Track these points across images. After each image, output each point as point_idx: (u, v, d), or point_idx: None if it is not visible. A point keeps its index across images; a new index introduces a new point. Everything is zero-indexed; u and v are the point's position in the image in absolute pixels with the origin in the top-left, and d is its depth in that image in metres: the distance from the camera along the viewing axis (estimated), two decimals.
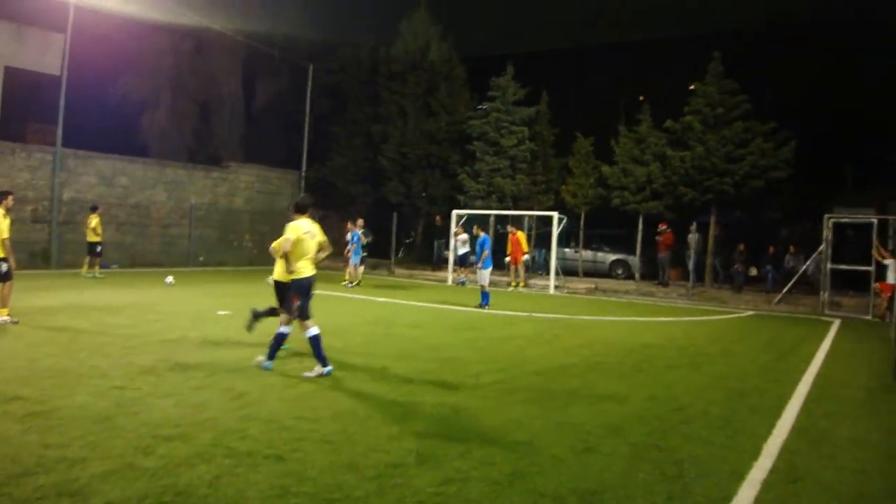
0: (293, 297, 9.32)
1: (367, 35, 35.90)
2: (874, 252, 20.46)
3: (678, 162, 25.92)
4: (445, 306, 18.65)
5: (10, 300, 12.04)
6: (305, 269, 9.27)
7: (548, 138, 31.26)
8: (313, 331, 9.11)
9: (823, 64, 29.78)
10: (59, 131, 25.33)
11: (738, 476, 5.87)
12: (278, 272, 10.19)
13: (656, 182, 26.84)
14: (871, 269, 20.65)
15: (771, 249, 26.10)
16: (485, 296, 18.62)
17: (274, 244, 9.90)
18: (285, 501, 4.90)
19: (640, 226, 27.87)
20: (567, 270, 28.05)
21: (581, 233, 29.74)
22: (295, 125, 36.70)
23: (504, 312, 17.81)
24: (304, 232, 9.24)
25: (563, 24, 34.86)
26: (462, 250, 26.54)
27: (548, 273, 26.44)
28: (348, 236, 23.98)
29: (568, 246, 29.95)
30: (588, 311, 19.06)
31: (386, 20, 35.25)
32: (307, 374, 8.99)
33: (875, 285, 20.49)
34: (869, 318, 20.31)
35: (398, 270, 30.82)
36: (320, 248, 9.53)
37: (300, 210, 9.48)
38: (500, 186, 30.06)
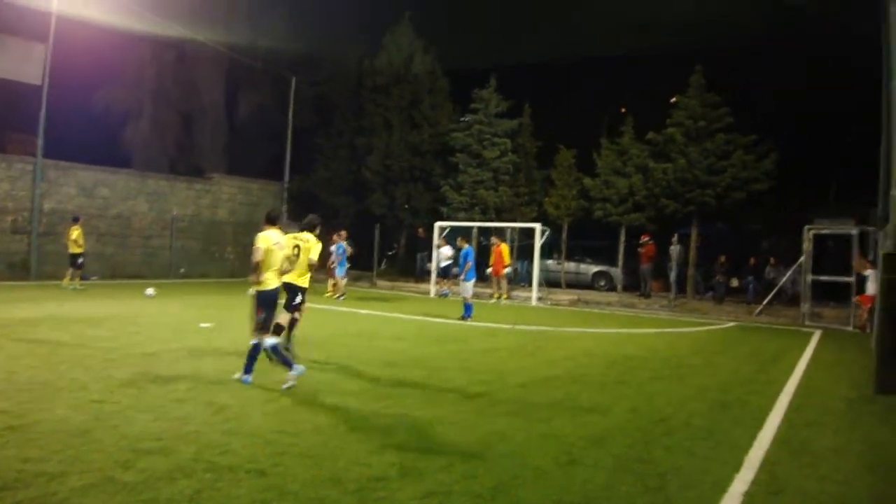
0: (257, 309, 9.22)
1: (351, 47, 35.89)
2: (855, 263, 20.59)
3: (660, 174, 26.08)
4: (428, 318, 18.63)
5: None
6: (272, 280, 9.28)
7: (530, 150, 31.38)
8: (270, 341, 9.10)
9: (806, 76, 30.01)
10: (40, 142, 25.18)
11: (721, 488, 5.88)
12: (290, 276, 10.50)
13: (638, 194, 26.98)
14: (852, 280, 20.79)
15: (752, 261, 26.26)
16: (467, 308, 18.62)
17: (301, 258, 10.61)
18: None
19: (623, 237, 28.01)
20: (550, 282, 28.09)
21: (563, 244, 29.80)
22: (278, 137, 36.63)
23: (487, 324, 17.80)
24: (274, 243, 9.30)
25: (546, 37, 35.00)
26: (444, 262, 26.54)
27: (530, 285, 26.47)
28: (332, 248, 23.80)
29: (550, 258, 29.99)
30: (571, 323, 19.09)
31: (370, 33, 35.30)
32: (285, 385, 8.93)
33: (855, 299, 20.62)
34: (850, 328, 20.44)
35: (380, 282, 30.78)
36: (288, 261, 9.61)
37: (271, 221, 9.54)
38: (482, 198, 30.12)
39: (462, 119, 32.15)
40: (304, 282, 10.93)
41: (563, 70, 36.61)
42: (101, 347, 11.23)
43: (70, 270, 22.28)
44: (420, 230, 31.29)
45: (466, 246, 19.79)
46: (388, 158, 32.40)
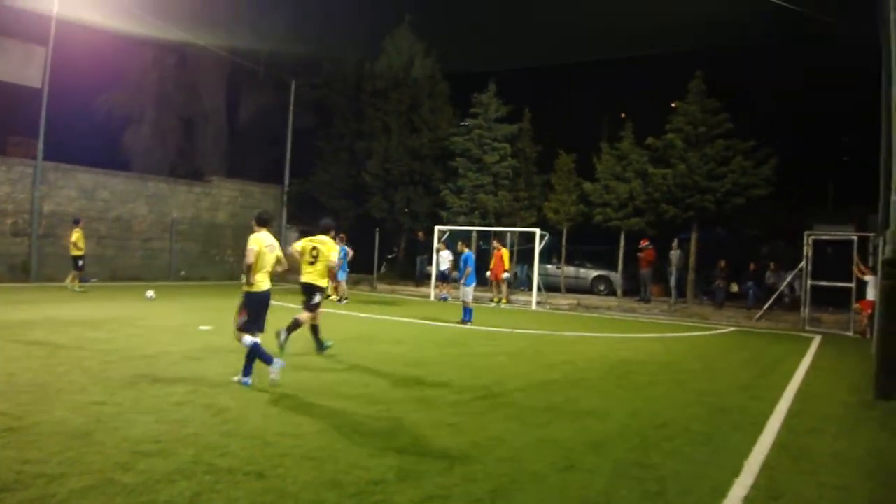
0: (242, 310, 9.32)
1: (351, 51, 35.92)
2: (854, 269, 20.60)
3: (660, 179, 26.07)
4: (428, 322, 18.63)
5: None
6: (263, 282, 9.37)
7: (530, 155, 31.38)
8: (248, 340, 9.16)
9: (803, 79, 30.09)
10: (40, 144, 25.23)
11: (720, 493, 5.87)
12: (309, 277, 11.59)
13: (638, 199, 26.97)
14: (852, 285, 20.78)
15: (752, 266, 26.25)
16: (467, 312, 18.63)
17: (319, 260, 11.54)
18: None
19: (622, 242, 27.99)
20: (549, 287, 28.09)
21: (563, 249, 29.80)
22: (278, 140, 36.72)
23: (487, 328, 17.80)
24: (266, 245, 9.39)
25: (546, 41, 35.00)
26: (444, 266, 26.55)
27: (530, 289, 26.46)
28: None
29: (550, 262, 29.99)
30: (570, 328, 19.08)
31: (370, 37, 35.32)
32: (272, 376, 9.13)
33: (855, 305, 20.61)
34: (850, 334, 20.43)
35: (380, 286, 30.78)
36: (278, 262, 9.69)
37: (262, 223, 9.60)
38: (482, 203, 30.12)
39: (462, 123, 32.16)
40: (322, 282, 11.65)
41: (563, 75, 36.66)
42: (101, 350, 11.23)
43: (73, 273, 22.32)
44: (420, 234, 31.29)
45: (467, 250, 19.81)
46: (387, 162, 32.43)
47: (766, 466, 6.69)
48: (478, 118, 31.02)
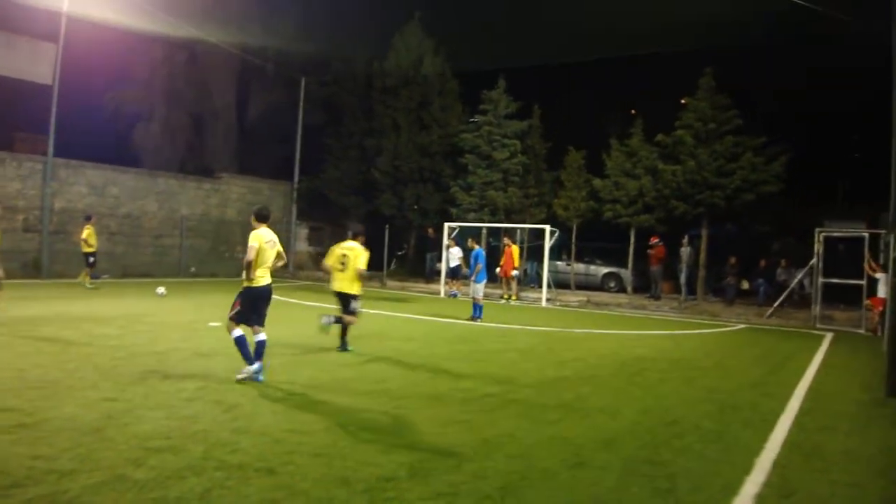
0: (237, 300, 9.40)
1: (360, 48, 35.91)
2: (866, 266, 20.50)
3: (670, 176, 26.00)
4: (438, 319, 18.62)
5: None
6: (263, 277, 9.40)
7: (540, 152, 31.30)
8: (237, 332, 9.24)
9: (812, 76, 29.97)
10: (51, 141, 25.28)
11: (731, 490, 5.85)
12: (341, 285, 11.87)
13: (648, 195, 26.91)
14: (863, 283, 20.69)
15: (762, 263, 26.15)
16: (478, 308, 18.61)
17: (346, 265, 11.82)
18: None
19: (632, 239, 27.91)
20: (559, 283, 28.05)
21: (573, 246, 29.75)
22: (288, 137, 36.77)
23: (497, 325, 17.80)
24: (266, 241, 9.40)
25: (555, 39, 34.91)
26: (454, 263, 26.54)
27: (540, 286, 26.43)
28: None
29: (560, 259, 29.93)
30: (580, 325, 19.05)
31: (379, 34, 35.30)
32: (239, 375, 9.15)
33: (866, 302, 20.52)
34: (861, 331, 20.33)
35: (390, 283, 30.78)
36: (279, 257, 9.71)
37: (261, 219, 9.62)
38: (492, 199, 30.09)
39: (471, 120, 32.13)
40: (354, 289, 11.86)
41: (572, 71, 36.57)
42: (111, 346, 11.27)
43: (85, 269, 22.39)
44: (430, 231, 31.27)
45: (477, 247, 19.75)
46: (397, 159, 32.42)
47: (778, 464, 6.66)
48: (487, 115, 30.97)
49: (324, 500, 5.15)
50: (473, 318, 18.40)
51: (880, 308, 18.95)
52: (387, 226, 31.13)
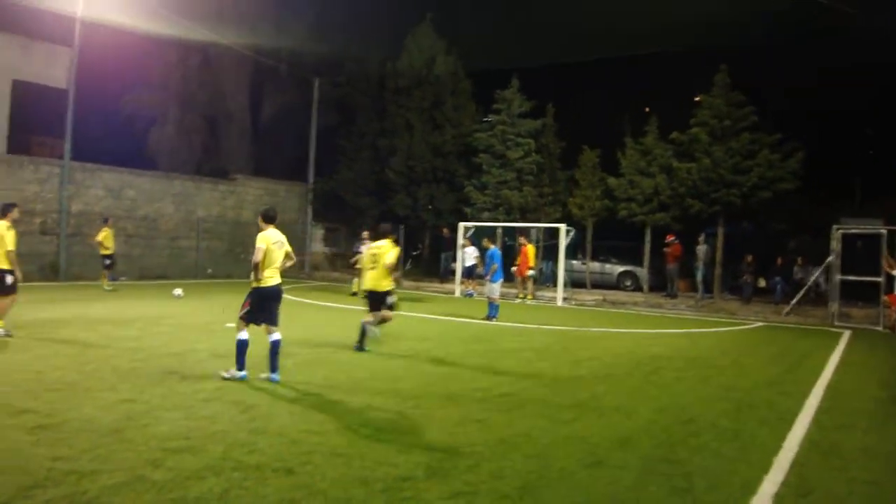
0: (245, 302, 9.48)
1: (373, 49, 36.01)
2: (884, 263, 20.38)
3: (685, 174, 25.93)
4: (453, 319, 18.63)
5: (6, 313, 11.96)
6: (271, 278, 9.46)
7: (554, 151, 31.22)
8: (242, 335, 9.31)
9: (828, 73, 29.82)
10: (67, 144, 25.46)
11: (749, 489, 5.83)
12: (372, 283, 12.26)
13: (663, 194, 26.85)
14: (881, 280, 20.57)
15: (780, 260, 26.04)
16: (494, 308, 18.60)
17: (377, 264, 12.16)
18: None
19: (648, 237, 27.85)
20: (575, 282, 28.02)
21: (588, 244, 29.69)
22: (302, 138, 36.88)
23: (513, 325, 17.78)
24: (274, 242, 9.48)
25: (568, 37, 34.88)
26: (469, 262, 26.53)
27: (555, 285, 26.40)
28: (364, 248, 23.48)
29: (575, 258, 29.88)
30: (596, 323, 19.01)
31: (392, 35, 35.39)
32: (224, 373, 9.30)
33: (884, 298, 20.41)
34: (879, 328, 20.21)
35: (405, 283, 30.79)
36: (287, 257, 9.76)
37: (268, 220, 9.70)
38: (506, 198, 30.08)
39: (485, 120, 32.13)
40: (384, 285, 12.30)
41: (586, 70, 36.50)
42: (129, 347, 11.34)
43: (103, 271, 22.49)
44: (445, 230, 31.29)
45: (492, 247, 19.72)
46: (410, 159, 32.45)
47: (796, 463, 6.64)
48: (501, 114, 30.96)
49: (342, 499, 5.17)
50: (489, 318, 18.39)
51: None
52: (401, 226, 31.16)
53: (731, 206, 25.27)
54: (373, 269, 12.33)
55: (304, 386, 9.04)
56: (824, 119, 29.91)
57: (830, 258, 21.83)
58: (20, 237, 13.25)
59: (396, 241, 12.81)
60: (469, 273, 26.67)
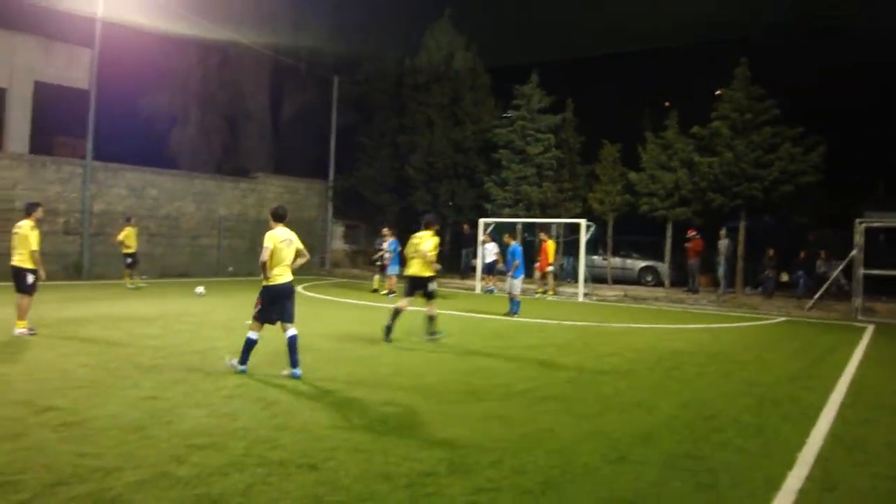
0: (258, 301, 9.59)
1: (391, 46, 36.07)
2: None
3: (706, 168, 25.79)
4: (475, 315, 18.62)
5: (27, 312, 12.07)
6: (281, 275, 9.52)
7: (574, 146, 31.12)
8: (252, 335, 9.45)
9: (853, 67, 29.55)
10: (89, 144, 25.67)
11: (773, 485, 5.79)
12: (414, 269, 13.21)
13: (684, 188, 26.71)
14: None
15: (802, 255, 25.85)
16: (515, 304, 18.57)
17: (417, 252, 13.12)
18: None
19: (669, 232, 27.72)
20: (596, 278, 27.94)
21: (609, 240, 29.60)
22: (322, 136, 36.98)
23: (533, 320, 17.74)
24: (281, 241, 9.55)
25: (588, 31, 34.79)
26: (490, 259, 26.50)
27: (576, 281, 26.33)
28: (385, 245, 23.55)
29: (596, 253, 29.79)
30: (617, 319, 18.96)
31: (410, 31, 35.43)
32: (227, 360, 9.67)
33: None
34: None
35: None
36: (300, 255, 9.86)
37: (278, 218, 9.81)
38: (527, 194, 30.02)
39: (504, 115, 32.09)
40: (426, 272, 13.20)
41: (606, 64, 36.39)
42: (152, 345, 11.41)
43: (126, 270, 22.62)
44: (465, 227, 31.28)
45: (513, 243, 19.68)
46: (430, 156, 32.47)
47: (820, 458, 6.59)
48: (520, 109, 30.90)
49: (365, 495, 5.18)
50: (511, 314, 18.37)
51: None
52: (423, 222, 31.15)
53: (753, 200, 25.10)
54: (414, 257, 13.18)
55: (326, 382, 9.06)
56: (846, 110, 29.64)
57: (854, 252, 21.63)
58: (44, 237, 13.39)
59: (438, 233, 13.49)
60: (489, 269, 26.64)
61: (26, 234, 11.94)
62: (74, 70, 26.76)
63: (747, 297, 25.25)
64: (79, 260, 25.55)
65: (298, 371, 9.25)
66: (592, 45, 34.19)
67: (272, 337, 9.78)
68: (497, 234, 25.73)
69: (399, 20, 36.86)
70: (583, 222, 25.81)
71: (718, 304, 23.95)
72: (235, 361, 9.45)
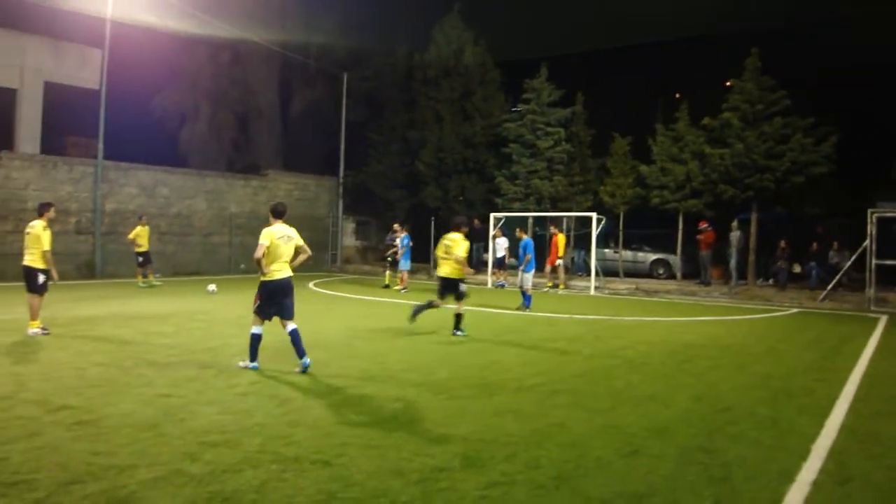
0: (256, 297, 9.68)
1: (400, 41, 36.06)
2: None
3: (717, 159, 25.69)
4: (486, 309, 18.59)
5: (39, 312, 12.11)
6: (278, 271, 9.57)
7: (584, 139, 31.04)
8: (256, 329, 9.57)
9: (858, 55, 29.40)
10: (100, 144, 25.75)
11: (788, 477, 5.77)
12: (446, 270, 13.34)
13: (695, 180, 26.61)
14: None
15: (815, 246, 25.74)
16: (527, 298, 18.56)
17: (450, 254, 13.24)
18: None
19: (681, 224, 27.63)
20: (607, 271, 27.90)
21: (620, 233, 29.53)
22: (332, 133, 37.00)
23: (545, 314, 17.73)
24: (279, 237, 9.64)
25: (597, 24, 34.72)
26: (500, 253, 26.48)
27: (588, 274, 26.29)
28: (397, 240, 23.60)
29: (607, 246, 29.74)
30: (629, 312, 18.91)
31: (419, 27, 35.42)
32: (240, 363, 9.65)
33: None
34: None
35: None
36: (300, 251, 9.93)
37: (277, 215, 9.93)
38: (537, 188, 29.98)
39: (514, 109, 32.04)
40: (457, 274, 13.30)
41: (615, 56, 36.30)
42: (165, 343, 11.45)
43: (138, 269, 22.70)
44: (476, 221, 31.27)
45: (525, 237, 19.67)
46: (440, 151, 32.45)
47: (834, 450, 6.55)
48: (530, 103, 30.84)
49: (378, 490, 5.18)
50: (522, 308, 18.36)
51: None
52: (432, 218, 31.18)
53: (765, 192, 25.00)
54: (445, 258, 13.31)
55: (338, 378, 9.07)
56: (855, 102, 29.47)
57: (866, 242, 21.52)
58: (56, 237, 13.45)
59: (468, 235, 13.66)
60: (500, 264, 26.62)
61: (38, 233, 11.99)
62: (85, 70, 26.88)
63: (760, 288, 25.16)
64: (91, 259, 25.65)
65: (307, 360, 9.34)
66: (602, 38, 34.13)
67: (283, 333, 9.78)
68: (508, 229, 25.71)
69: (408, 15, 36.87)
70: (594, 216, 25.75)
71: (731, 297, 23.88)
72: (247, 361, 9.51)
